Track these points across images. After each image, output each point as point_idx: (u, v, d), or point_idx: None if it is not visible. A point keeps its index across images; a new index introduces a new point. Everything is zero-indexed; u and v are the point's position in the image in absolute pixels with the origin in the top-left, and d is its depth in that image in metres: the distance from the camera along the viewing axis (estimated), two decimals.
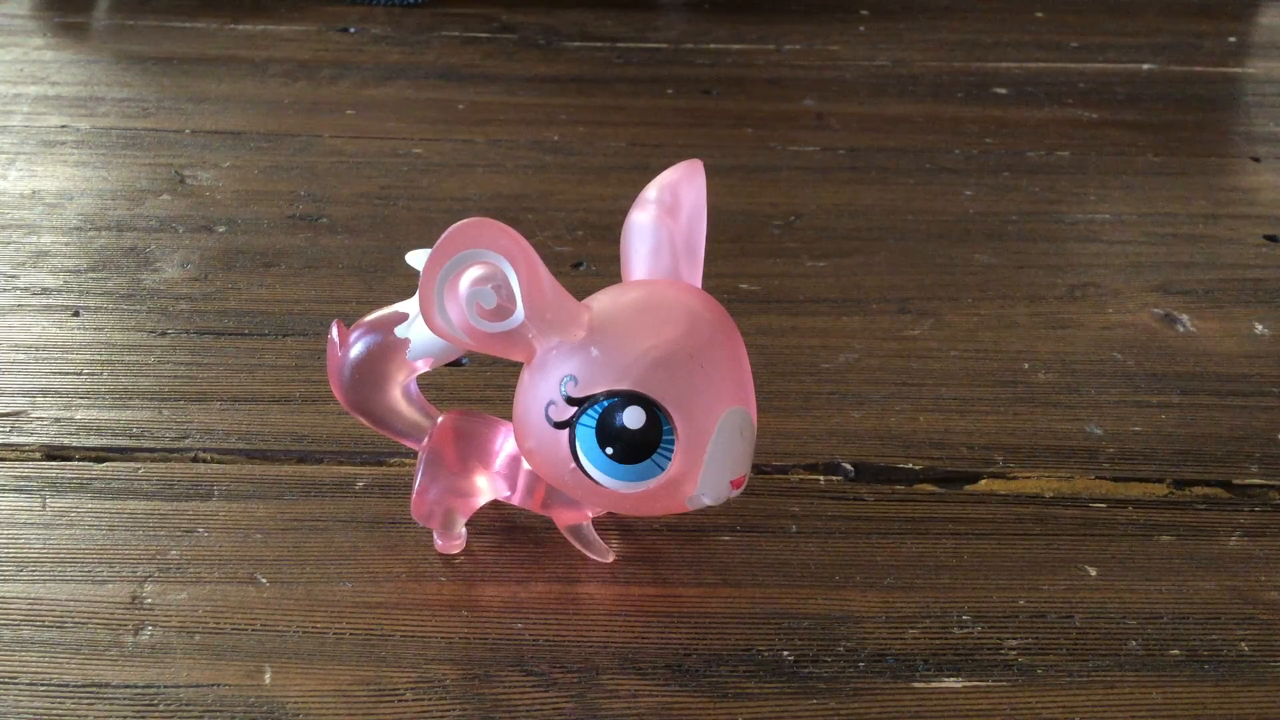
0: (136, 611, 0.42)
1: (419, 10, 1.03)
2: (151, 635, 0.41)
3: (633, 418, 0.38)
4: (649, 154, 0.78)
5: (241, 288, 0.62)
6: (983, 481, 0.50)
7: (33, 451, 0.50)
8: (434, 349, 0.42)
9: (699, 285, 0.42)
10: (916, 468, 0.50)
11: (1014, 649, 0.42)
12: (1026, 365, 0.57)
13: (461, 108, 0.85)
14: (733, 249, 0.67)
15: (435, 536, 0.45)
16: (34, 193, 0.71)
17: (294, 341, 0.58)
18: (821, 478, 0.50)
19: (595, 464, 0.38)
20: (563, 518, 0.44)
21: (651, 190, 0.43)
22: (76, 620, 0.42)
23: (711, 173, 0.44)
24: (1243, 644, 0.42)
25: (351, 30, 0.99)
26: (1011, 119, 0.86)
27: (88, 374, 0.55)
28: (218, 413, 0.52)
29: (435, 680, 0.40)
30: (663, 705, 0.39)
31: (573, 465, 0.39)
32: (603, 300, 0.40)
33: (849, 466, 0.50)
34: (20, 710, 0.39)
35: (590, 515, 0.44)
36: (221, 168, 0.75)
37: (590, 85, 0.90)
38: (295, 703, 0.39)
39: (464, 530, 0.45)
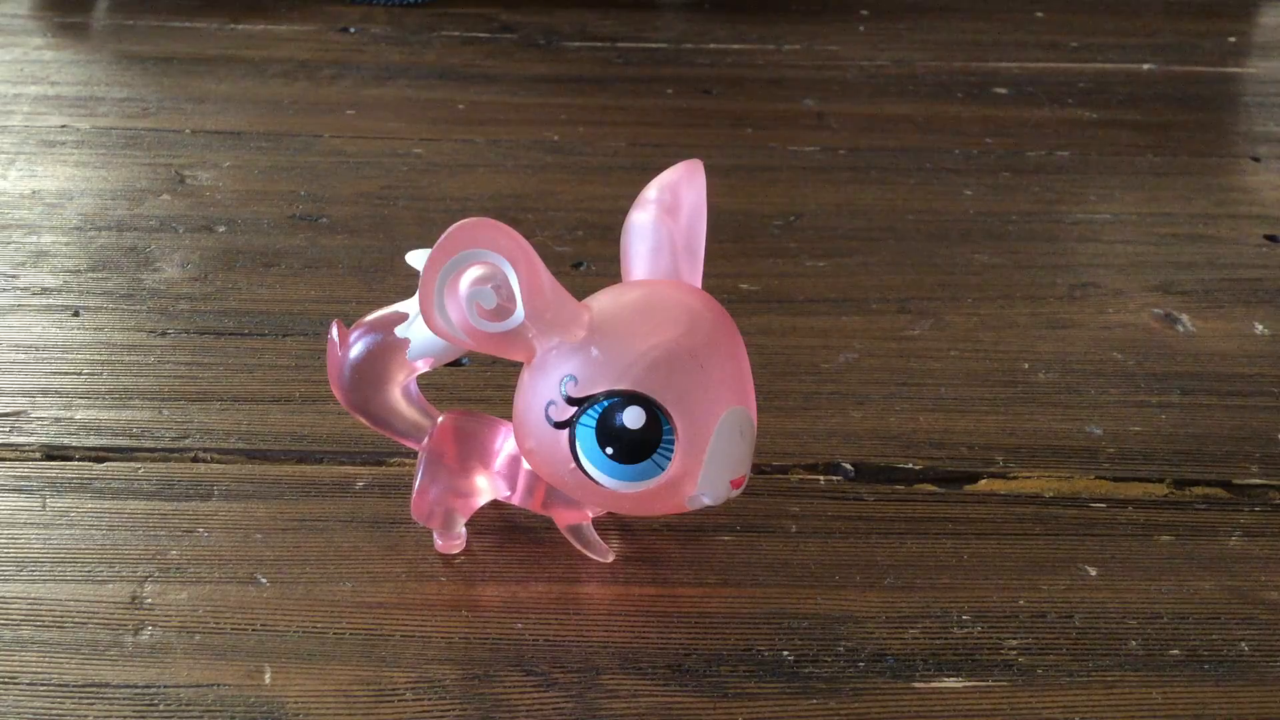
0: (136, 611, 0.42)
1: (419, 10, 1.03)
2: (151, 635, 0.41)
3: (633, 418, 0.38)
4: (649, 154, 0.78)
5: (241, 288, 0.62)
6: (983, 481, 0.50)
7: (33, 451, 0.50)
8: (434, 349, 0.42)
9: (699, 285, 0.42)
10: (916, 468, 0.50)
11: (1014, 649, 0.42)
12: (1026, 365, 0.57)
13: (461, 108, 0.85)
14: (733, 249, 0.67)
15: (435, 536, 0.45)
16: (34, 193, 0.71)
17: (294, 341, 0.58)
18: (821, 478, 0.50)
19: (595, 464, 0.38)
20: (563, 518, 0.44)
21: (651, 190, 0.43)
22: (76, 620, 0.42)
23: (711, 173, 0.44)
24: (1243, 644, 0.42)
25: (351, 30, 0.99)
26: (1011, 119, 0.86)
27: (88, 374, 0.55)
28: (218, 413, 0.52)
29: (435, 680, 0.40)
30: (663, 705, 0.39)
31: (573, 465, 0.39)
32: (603, 300, 0.40)
33: (849, 466, 0.50)
34: (20, 710, 0.39)
35: (590, 515, 0.44)
36: (221, 168, 0.75)
37: (590, 85, 0.90)
38: (295, 703, 0.39)
39: (464, 530, 0.45)
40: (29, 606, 0.42)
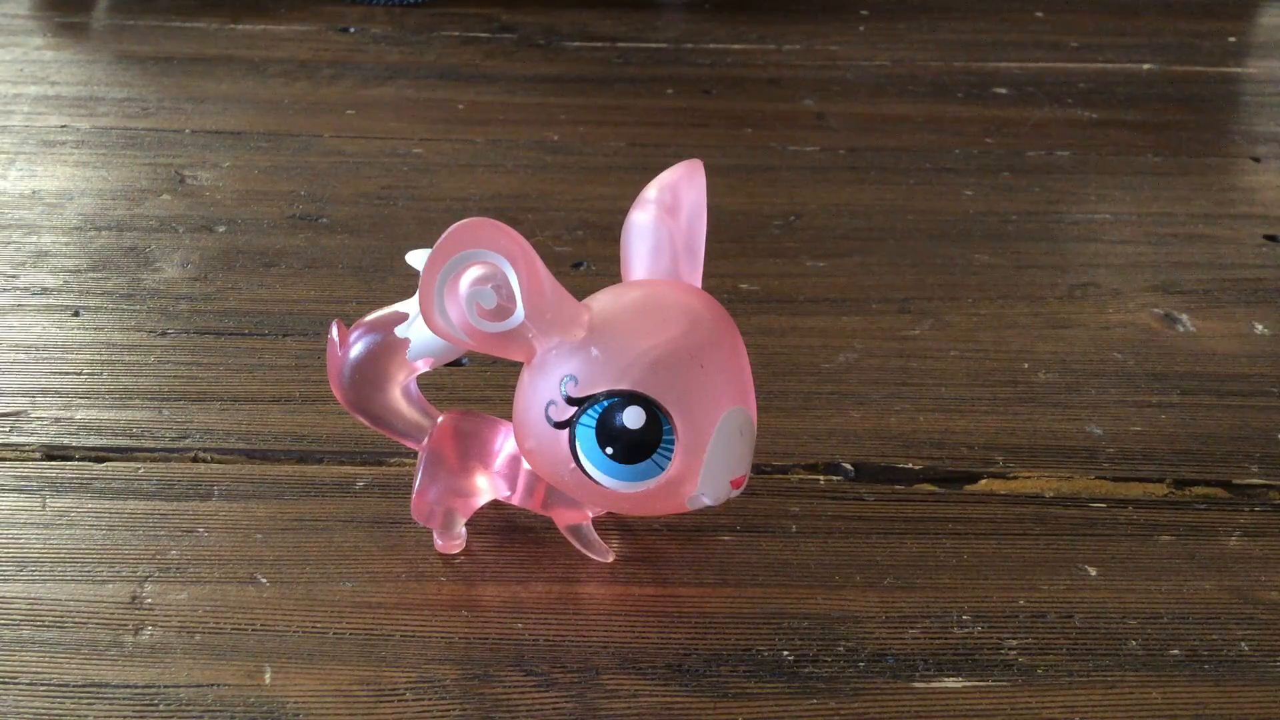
0: (136, 611, 0.42)
1: (419, 10, 1.03)
2: (151, 635, 0.41)
3: (633, 418, 0.38)
4: (649, 154, 0.78)
5: (241, 288, 0.62)
6: (983, 481, 0.50)
7: (33, 451, 0.50)
8: (434, 349, 0.42)
9: (699, 285, 0.42)
10: (916, 468, 0.50)
11: (1014, 649, 0.42)
12: (1026, 365, 0.57)
13: (461, 108, 0.85)
14: (733, 249, 0.67)
15: (435, 536, 0.45)
16: (34, 193, 0.71)
17: (294, 341, 0.58)
18: (821, 478, 0.50)
19: (595, 464, 0.38)
20: (563, 518, 0.44)
21: (651, 190, 0.43)
22: (76, 620, 0.42)
23: (711, 173, 0.44)
24: (1243, 644, 0.42)
25: (351, 30, 0.99)
26: (1011, 119, 0.86)
27: (88, 374, 0.55)
28: (218, 413, 0.52)
29: (435, 680, 0.40)
30: (663, 705, 0.39)
31: (573, 465, 0.39)
32: (603, 300, 0.40)
33: (849, 466, 0.50)
34: (20, 710, 0.39)
35: (590, 515, 0.44)
36: (221, 168, 0.75)
37: (590, 85, 0.90)
38: (295, 703, 0.39)
39: (464, 530, 0.45)
40: (29, 606, 0.42)
